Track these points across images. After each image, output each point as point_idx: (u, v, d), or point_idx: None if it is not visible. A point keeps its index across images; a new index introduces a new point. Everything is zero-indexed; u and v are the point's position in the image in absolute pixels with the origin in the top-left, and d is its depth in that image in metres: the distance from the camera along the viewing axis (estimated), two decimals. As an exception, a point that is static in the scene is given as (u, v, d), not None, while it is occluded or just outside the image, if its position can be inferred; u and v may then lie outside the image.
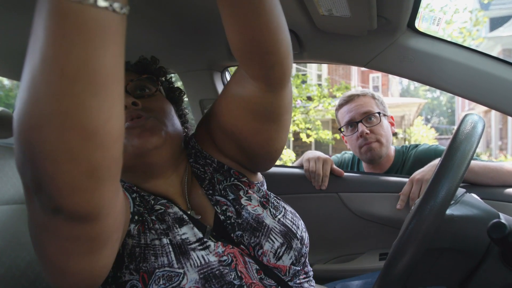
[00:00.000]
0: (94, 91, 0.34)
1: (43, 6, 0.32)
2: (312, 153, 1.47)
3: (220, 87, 1.59)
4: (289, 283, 0.69)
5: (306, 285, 0.73)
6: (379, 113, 1.44)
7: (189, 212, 0.71)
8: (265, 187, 0.84)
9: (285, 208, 0.75)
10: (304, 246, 0.72)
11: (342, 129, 1.52)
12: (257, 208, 0.72)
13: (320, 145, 11.27)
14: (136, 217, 0.66)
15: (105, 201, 0.43)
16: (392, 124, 1.53)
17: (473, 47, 1.13)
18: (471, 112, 0.70)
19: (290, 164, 2.57)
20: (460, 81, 1.11)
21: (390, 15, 1.03)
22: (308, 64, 10.77)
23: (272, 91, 0.65)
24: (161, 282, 0.59)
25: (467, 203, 0.71)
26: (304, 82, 7.56)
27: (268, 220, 0.70)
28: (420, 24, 1.12)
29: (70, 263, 0.49)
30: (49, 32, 0.32)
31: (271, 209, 0.73)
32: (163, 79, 0.87)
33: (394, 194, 1.32)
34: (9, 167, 1.41)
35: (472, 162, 1.21)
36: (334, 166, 1.41)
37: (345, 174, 1.42)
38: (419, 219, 0.58)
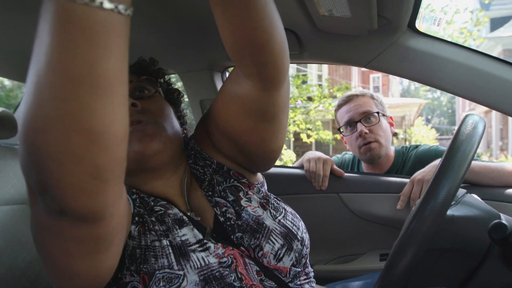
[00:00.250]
0: (99, 93, 0.34)
1: (48, 8, 0.32)
2: (313, 153, 1.47)
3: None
4: (290, 284, 0.69)
5: (306, 286, 0.73)
6: (378, 113, 1.45)
7: (188, 214, 0.71)
8: (265, 188, 0.83)
9: (285, 209, 0.75)
10: (304, 247, 0.72)
11: (341, 129, 1.52)
12: (257, 210, 0.72)
13: (320, 145, 11.27)
14: (136, 218, 0.66)
15: (110, 202, 0.43)
16: (391, 125, 1.53)
17: (473, 47, 1.13)
18: (471, 113, 0.70)
19: (290, 165, 2.57)
20: (461, 81, 1.11)
21: (391, 15, 1.03)
22: (308, 65, 10.78)
23: (266, 90, 0.64)
24: (161, 284, 0.58)
25: (468, 204, 0.71)
26: (304, 82, 7.56)
27: (269, 222, 0.70)
28: (421, 24, 1.12)
29: (74, 264, 0.49)
30: (54, 35, 0.32)
31: (271, 210, 0.73)
32: (162, 80, 0.87)
33: (394, 194, 1.32)
34: (10, 167, 1.41)
35: (473, 162, 1.21)
36: (335, 167, 1.41)
37: (346, 174, 1.42)
38: (420, 219, 0.58)
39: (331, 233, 1.43)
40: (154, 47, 1.41)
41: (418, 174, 1.23)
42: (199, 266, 0.61)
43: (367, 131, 1.42)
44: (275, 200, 0.76)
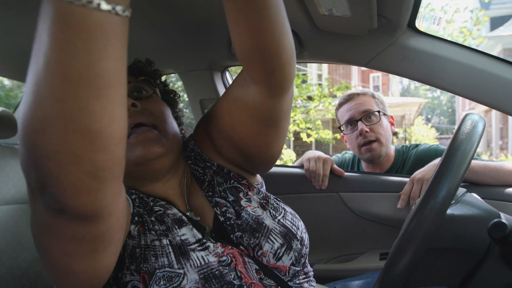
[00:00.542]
0: (97, 94, 0.35)
1: (46, 10, 0.32)
2: (313, 152, 1.48)
3: (220, 87, 1.59)
4: (289, 283, 0.69)
5: (306, 285, 0.73)
6: (378, 111, 1.45)
7: (188, 214, 0.71)
8: (264, 188, 0.84)
9: (284, 209, 0.76)
10: (304, 247, 0.73)
11: (342, 128, 1.52)
12: (257, 210, 0.72)
13: (320, 144, 11.27)
14: (136, 218, 0.66)
15: (109, 201, 0.43)
16: (392, 124, 1.54)
17: (473, 46, 1.12)
18: (471, 112, 0.71)
19: (290, 164, 2.56)
20: (461, 80, 1.11)
21: (391, 15, 1.03)
22: (308, 64, 10.77)
23: (272, 96, 0.65)
24: (161, 283, 0.59)
25: (468, 203, 0.71)
26: (304, 81, 7.56)
27: (268, 221, 0.71)
28: (421, 23, 1.12)
29: (73, 263, 0.49)
30: (53, 36, 0.32)
31: (271, 210, 0.73)
32: (158, 81, 0.87)
33: (394, 193, 1.32)
34: (10, 167, 1.41)
35: (473, 161, 1.21)
36: (335, 166, 1.41)
37: (346, 173, 1.42)
38: (420, 218, 0.58)
39: (331, 233, 1.43)
40: (154, 47, 1.41)
41: (418, 173, 1.23)
42: (199, 264, 0.62)
43: (367, 129, 1.42)
44: (274, 201, 0.77)
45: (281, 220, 0.72)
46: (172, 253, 0.62)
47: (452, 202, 0.69)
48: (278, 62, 0.59)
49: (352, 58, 1.29)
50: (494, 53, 11.29)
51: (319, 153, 1.45)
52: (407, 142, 11.43)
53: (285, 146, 6.69)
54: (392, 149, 1.53)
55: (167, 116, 0.77)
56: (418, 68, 1.15)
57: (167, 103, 0.84)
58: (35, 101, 0.35)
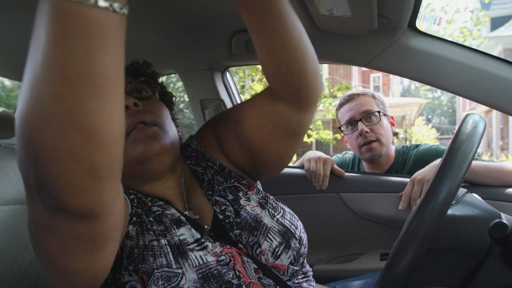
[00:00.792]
0: (95, 92, 0.35)
1: (43, 7, 0.32)
2: (313, 153, 1.48)
3: (220, 87, 1.59)
4: (288, 282, 0.70)
5: (305, 284, 0.73)
6: (379, 112, 1.45)
7: (186, 213, 0.71)
8: (261, 188, 0.85)
9: (283, 209, 0.76)
10: (302, 246, 0.73)
11: (342, 128, 1.53)
12: (256, 208, 0.73)
13: (321, 145, 11.26)
14: (134, 219, 0.66)
15: (107, 199, 0.43)
16: (392, 124, 1.54)
17: (474, 47, 1.12)
18: (472, 112, 0.70)
19: (290, 164, 2.55)
20: (461, 80, 1.11)
21: (391, 15, 1.03)
22: (308, 64, 10.76)
23: (299, 110, 0.70)
24: (160, 283, 0.59)
25: (468, 203, 0.70)
26: (304, 82, 7.57)
27: (267, 220, 0.71)
28: (421, 23, 1.12)
29: (72, 262, 0.49)
30: (50, 33, 0.32)
31: (270, 210, 0.74)
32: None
33: (395, 194, 1.32)
34: (11, 167, 1.41)
35: (473, 162, 1.21)
36: (335, 166, 1.41)
37: (346, 174, 1.42)
38: (420, 219, 0.58)
39: (331, 233, 1.43)
40: (155, 47, 1.41)
41: (418, 174, 1.23)
42: (197, 264, 0.62)
43: (367, 130, 1.42)
44: (273, 201, 0.78)
45: (280, 219, 0.72)
46: (170, 253, 0.62)
47: (453, 202, 0.68)
48: (303, 81, 0.64)
49: (353, 58, 1.29)
50: (495, 53, 11.29)
51: (320, 154, 1.45)
52: (408, 143, 11.42)
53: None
54: (392, 149, 1.53)
55: (166, 116, 0.78)
56: (418, 68, 1.15)
57: (165, 104, 0.85)
58: (33, 98, 0.35)
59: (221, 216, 0.71)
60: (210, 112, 1.61)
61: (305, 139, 7.56)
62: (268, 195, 0.79)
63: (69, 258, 0.49)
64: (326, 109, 7.41)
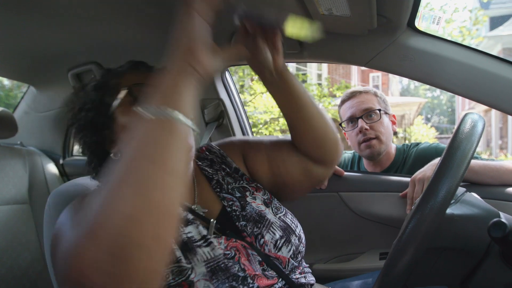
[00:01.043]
0: (180, 181, 0.47)
1: (153, 121, 0.47)
2: None
3: (220, 87, 1.59)
4: (289, 276, 0.73)
5: (303, 280, 0.76)
6: (379, 110, 1.45)
7: (194, 206, 0.74)
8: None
9: (286, 210, 0.82)
10: (301, 244, 0.77)
11: (343, 125, 1.53)
12: (261, 206, 0.78)
13: (320, 144, 11.23)
14: None
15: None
16: (393, 123, 1.54)
17: (473, 46, 1.12)
18: (471, 111, 0.70)
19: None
20: (460, 80, 1.11)
21: (390, 14, 1.03)
22: (308, 64, 10.77)
23: (322, 167, 0.86)
24: (170, 277, 0.62)
25: (468, 202, 0.71)
26: (304, 81, 7.57)
27: (270, 216, 0.76)
28: (420, 23, 1.12)
29: None
30: (161, 141, 0.46)
31: (273, 208, 0.79)
32: None
33: (394, 193, 1.32)
34: (10, 167, 1.40)
35: (473, 161, 1.21)
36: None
37: (346, 173, 1.42)
38: (420, 218, 0.58)
39: (331, 232, 1.43)
40: (154, 46, 1.41)
41: (418, 173, 1.23)
42: (205, 259, 0.65)
43: (367, 127, 1.43)
44: (277, 202, 0.83)
45: (282, 217, 0.78)
46: (179, 250, 0.65)
47: (452, 201, 0.69)
48: (324, 150, 0.83)
49: (352, 57, 1.29)
50: (494, 52, 11.29)
51: None
52: (407, 142, 11.42)
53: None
54: (393, 147, 1.53)
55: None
56: (417, 67, 1.15)
57: None
58: (136, 190, 0.42)
59: (228, 209, 0.76)
60: (209, 111, 1.61)
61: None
62: (273, 197, 0.84)
63: None
64: (325, 108, 7.41)
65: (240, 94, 1.75)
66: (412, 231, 0.59)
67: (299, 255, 0.77)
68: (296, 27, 0.63)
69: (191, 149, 0.50)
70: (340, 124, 1.55)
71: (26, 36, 1.31)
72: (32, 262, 1.21)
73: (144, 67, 0.85)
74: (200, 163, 0.85)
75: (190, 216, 0.71)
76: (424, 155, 1.41)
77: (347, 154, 1.70)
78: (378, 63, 1.21)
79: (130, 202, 0.41)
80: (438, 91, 29.18)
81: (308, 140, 0.81)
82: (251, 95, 6.41)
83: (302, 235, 0.79)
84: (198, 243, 0.67)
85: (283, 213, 0.79)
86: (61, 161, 1.99)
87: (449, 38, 1.25)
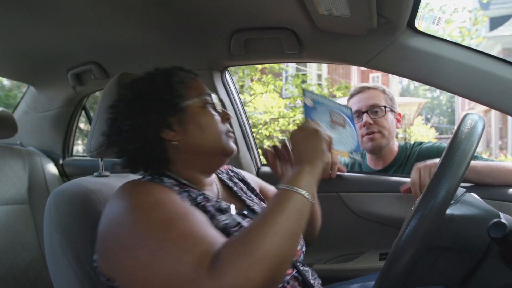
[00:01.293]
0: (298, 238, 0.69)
1: (290, 199, 0.69)
2: None
3: (220, 87, 1.59)
4: (299, 267, 0.85)
5: (307, 273, 0.86)
6: (385, 107, 1.49)
7: (219, 200, 0.86)
8: None
9: None
10: (304, 244, 0.89)
11: None
12: None
13: (320, 144, 11.21)
14: None
15: None
16: (398, 121, 1.58)
17: (472, 46, 1.12)
18: (471, 112, 0.70)
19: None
20: (460, 80, 1.11)
21: (390, 14, 1.03)
22: (308, 64, 10.76)
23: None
24: None
25: (467, 203, 0.71)
26: (304, 81, 7.56)
27: None
28: (420, 23, 1.12)
29: None
30: (297, 215, 0.68)
31: None
32: None
33: (394, 193, 1.32)
34: (10, 167, 1.40)
35: (474, 161, 1.21)
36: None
37: (346, 174, 1.42)
38: (420, 218, 0.58)
39: (331, 232, 1.43)
40: (154, 46, 1.41)
41: (420, 163, 1.22)
42: None
43: (371, 122, 1.47)
44: None
45: None
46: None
47: (452, 202, 0.69)
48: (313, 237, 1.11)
49: (352, 58, 1.29)
50: (494, 53, 11.28)
51: None
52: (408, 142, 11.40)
53: (284, 146, 6.69)
54: (396, 144, 1.57)
55: None
56: (417, 68, 1.15)
57: None
58: (289, 245, 0.65)
59: (250, 203, 0.92)
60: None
61: (304, 138, 7.53)
62: None
63: None
64: (325, 108, 7.41)
65: (240, 94, 1.75)
66: (412, 231, 0.59)
67: (302, 255, 0.87)
68: None
69: (307, 216, 0.70)
70: None
71: (26, 36, 1.31)
72: (31, 262, 1.21)
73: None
74: (220, 175, 1.00)
75: (224, 205, 0.82)
76: (427, 154, 1.43)
77: None
78: (378, 64, 1.21)
79: (284, 245, 0.63)
80: (438, 91, 29.20)
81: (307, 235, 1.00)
82: (251, 95, 6.40)
83: (301, 236, 0.89)
84: (234, 229, 0.75)
85: None
86: (60, 161, 1.99)
87: (448, 39, 1.25)
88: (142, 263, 0.60)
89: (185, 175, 0.85)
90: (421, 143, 1.54)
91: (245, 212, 0.88)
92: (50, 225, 0.83)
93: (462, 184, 0.63)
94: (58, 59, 1.58)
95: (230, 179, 1.02)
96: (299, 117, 7.33)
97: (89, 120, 2.15)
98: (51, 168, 1.76)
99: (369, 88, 1.54)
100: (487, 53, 1.09)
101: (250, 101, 6.36)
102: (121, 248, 0.64)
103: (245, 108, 2.11)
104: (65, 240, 0.81)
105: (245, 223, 0.79)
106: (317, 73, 12.54)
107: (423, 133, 12.96)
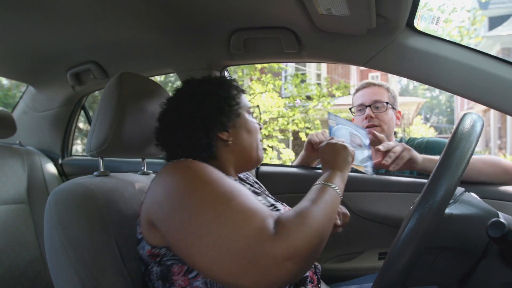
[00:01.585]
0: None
1: (326, 193, 0.79)
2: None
3: (219, 87, 1.59)
4: None
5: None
6: (387, 103, 1.56)
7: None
8: None
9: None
10: None
11: (352, 110, 1.66)
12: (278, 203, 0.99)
13: (319, 144, 11.22)
14: None
15: None
16: (397, 118, 1.65)
17: (471, 46, 1.12)
18: (470, 111, 0.71)
19: (289, 164, 2.54)
20: (459, 80, 1.11)
21: (389, 14, 1.03)
22: (307, 64, 10.76)
23: None
24: None
25: (466, 202, 0.71)
26: (303, 81, 7.55)
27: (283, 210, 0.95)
28: (419, 23, 1.12)
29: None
30: (329, 208, 0.76)
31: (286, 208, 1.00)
32: None
33: (394, 193, 1.32)
34: (9, 166, 1.40)
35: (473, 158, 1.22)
36: None
37: (345, 173, 1.42)
38: (418, 218, 0.58)
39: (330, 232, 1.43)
40: (154, 46, 1.41)
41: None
42: None
43: (373, 115, 1.54)
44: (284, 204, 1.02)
45: None
46: None
47: (451, 201, 0.69)
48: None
49: (351, 57, 1.29)
50: (493, 52, 11.30)
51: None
52: (406, 142, 11.40)
53: (284, 146, 6.70)
54: (393, 140, 1.60)
55: None
56: (416, 67, 1.15)
57: None
58: (318, 240, 0.68)
59: (271, 199, 0.96)
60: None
61: (304, 138, 7.55)
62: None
63: None
64: (324, 108, 7.40)
65: (239, 94, 1.75)
66: (410, 231, 0.59)
67: None
68: None
69: (337, 208, 0.81)
70: (350, 109, 1.67)
71: (25, 36, 1.31)
72: (31, 262, 1.21)
73: None
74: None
75: (257, 190, 0.94)
76: (429, 147, 1.48)
77: None
78: (377, 63, 1.21)
79: (326, 228, 0.72)
80: (437, 91, 29.20)
81: None
82: (250, 95, 6.40)
83: None
84: (270, 208, 0.84)
85: None
86: (60, 161, 1.99)
87: (447, 38, 1.25)
88: (205, 229, 0.64)
89: (222, 171, 0.91)
90: (415, 138, 1.62)
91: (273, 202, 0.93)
92: (51, 224, 0.83)
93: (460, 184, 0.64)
94: (57, 59, 1.58)
95: (247, 179, 1.12)
96: (298, 116, 7.33)
97: (88, 119, 2.15)
98: (50, 168, 1.75)
99: (374, 84, 1.62)
100: (486, 53, 1.09)
101: (249, 101, 6.37)
102: (184, 213, 0.67)
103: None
104: (66, 239, 0.81)
105: (279, 205, 0.88)
106: (316, 72, 12.54)
107: (422, 133, 12.99)
